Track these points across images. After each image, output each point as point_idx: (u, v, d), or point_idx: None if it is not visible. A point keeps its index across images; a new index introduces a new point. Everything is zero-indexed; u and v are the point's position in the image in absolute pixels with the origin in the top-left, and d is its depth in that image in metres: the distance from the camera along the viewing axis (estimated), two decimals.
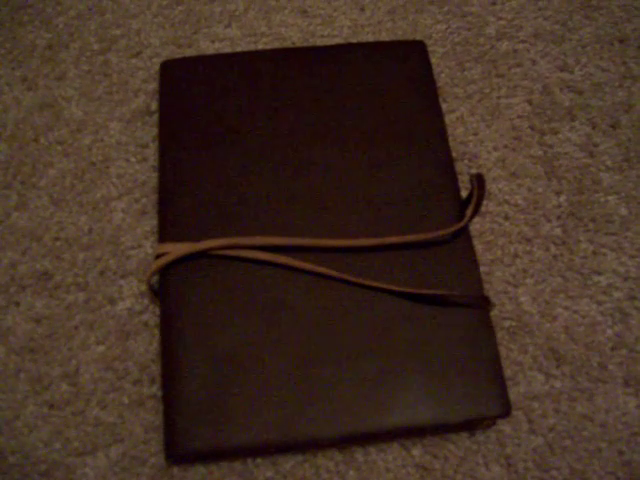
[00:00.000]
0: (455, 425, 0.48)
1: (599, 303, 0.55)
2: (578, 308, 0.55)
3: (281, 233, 0.52)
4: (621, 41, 0.67)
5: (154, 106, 0.63)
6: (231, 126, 0.57)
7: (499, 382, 0.48)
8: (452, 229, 0.51)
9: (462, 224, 0.51)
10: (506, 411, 0.48)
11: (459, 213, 0.53)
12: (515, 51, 0.66)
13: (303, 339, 0.49)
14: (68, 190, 0.59)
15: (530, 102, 0.63)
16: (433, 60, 0.65)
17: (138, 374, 0.53)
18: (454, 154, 0.60)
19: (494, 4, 0.69)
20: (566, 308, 0.55)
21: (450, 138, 0.60)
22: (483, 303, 0.50)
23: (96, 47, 0.66)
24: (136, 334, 0.54)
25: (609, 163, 0.61)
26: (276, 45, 0.66)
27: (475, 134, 0.62)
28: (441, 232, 0.51)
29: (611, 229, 0.58)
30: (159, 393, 0.52)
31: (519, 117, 0.63)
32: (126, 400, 0.52)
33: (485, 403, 0.48)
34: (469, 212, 0.52)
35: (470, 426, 0.50)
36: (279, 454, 0.50)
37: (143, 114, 0.63)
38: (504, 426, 0.51)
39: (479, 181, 0.50)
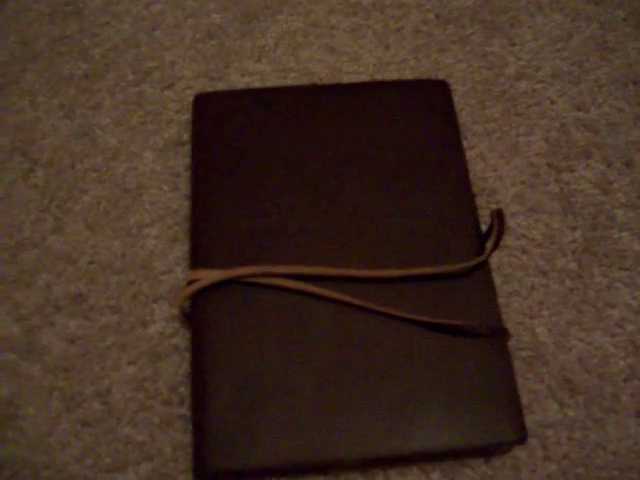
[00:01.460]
0: (473, 450, 0.50)
1: (612, 335, 0.57)
2: (592, 340, 0.57)
3: (309, 262, 0.54)
4: (635, 83, 0.69)
5: (186, 137, 0.65)
6: (260, 158, 0.59)
7: (516, 409, 0.50)
8: (473, 262, 0.53)
9: (483, 258, 0.53)
10: (522, 438, 0.49)
11: (479, 246, 0.55)
12: (534, 90, 0.68)
13: (328, 364, 0.51)
14: (102, 216, 0.61)
15: (547, 140, 0.66)
16: (455, 98, 0.67)
17: (168, 395, 0.54)
18: (474, 189, 0.62)
19: (514, 45, 0.71)
20: (580, 340, 0.57)
21: (470, 174, 0.62)
22: (501, 333, 0.52)
23: (131, 78, 0.69)
24: (166, 356, 0.56)
25: (623, 200, 0.63)
26: (304, 80, 0.68)
27: (494, 170, 0.64)
28: (462, 265, 0.53)
29: (625, 264, 0.60)
30: (188, 413, 0.54)
31: (537, 155, 0.65)
32: (156, 419, 0.54)
33: (502, 429, 0.49)
34: (489, 246, 0.54)
35: (487, 452, 0.52)
36: (302, 475, 0.52)
37: (176, 144, 0.65)
38: (519, 452, 0.53)
39: (500, 216, 0.52)
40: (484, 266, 0.54)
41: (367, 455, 0.48)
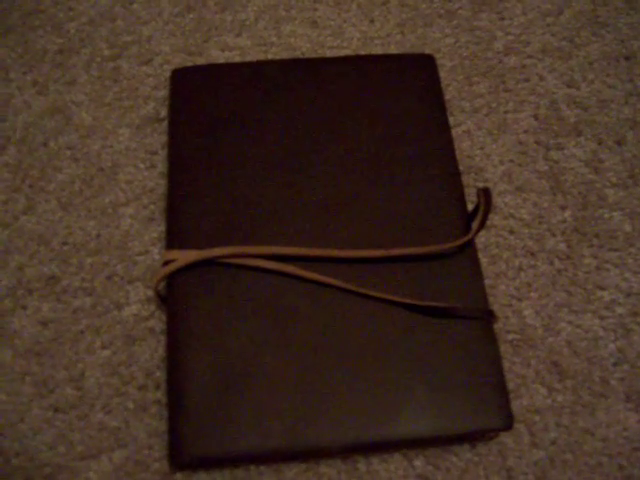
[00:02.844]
0: (457, 437, 0.49)
1: (602, 318, 0.56)
2: (581, 323, 0.55)
3: (288, 243, 0.53)
4: (627, 58, 0.68)
5: (163, 113, 0.64)
6: (239, 135, 0.57)
7: (502, 395, 0.48)
8: (458, 242, 0.52)
9: (468, 237, 0.52)
10: (508, 424, 0.48)
11: (465, 226, 0.54)
12: (523, 66, 0.67)
13: (307, 348, 0.49)
14: (76, 195, 0.60)
15: (536, 117, 0.64)
16: (441, 73, 0.65)
17: (143, 379, 0.53)
18: (460, 167, 0.60)
19: (502, 19, 0.69)
20: (569, 322, 0.55)
21: (457, 151, 0.61)
22: (487, 316, 0.50)
23: (107, 53, 0.67)
24: (142, 340, 0.54)
25: (614, 179, 0.61)
26: (285, 55, 0.67)
27: (482, 148, 0.62)
28: (447, 245, 0.52)
29: (615, 245, 0.58)
30: (164, 399, 0.52)
31: (525, 132, 0.63)
32: (131, 405, 0.52)
33: (488, 415, 0.48)
34: (475, 226, 0.52)
35: (472, 438, 0.50)
36: (282, 462, 0.51)
37: (152, 121, 0.63)
38: (506, 438, 0.52)
39: (486, 195, 0.50)
40: (470, 246, 0.53)
41: (348, 441, 0.47)
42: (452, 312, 0.51)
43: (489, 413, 0.48)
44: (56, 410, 0.52)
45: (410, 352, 0.49)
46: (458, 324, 0.50)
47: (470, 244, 0.53)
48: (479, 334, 0.50)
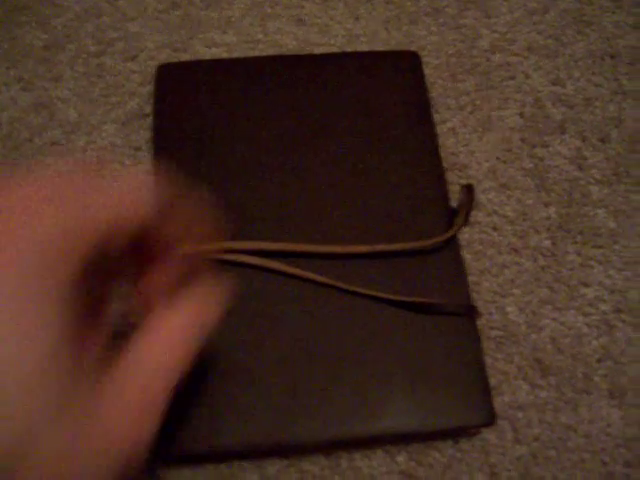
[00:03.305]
0: (440, 433, 0.49)
1: (585, 315, 0.56)
2: (565, 319, 0.55)
3: (272, 238, 0.53)
4: (612, 57, 0.68)
5: (148, 109, 0.63)
6: (224, 131, 0.57)
7: (484, 391, 0.48)
8: (441, 238, 0.52)
9: (451, 233, 0.52)
10: (490, 420, 0.48)
11: (449, 223, 0.54)
12: (508, 64, 0.67)
13: (290, 344, 0.49)
14: None
15: (522, 115, 0.64)
16: (426, 71, 0.65)
17: None
18: (445, 164, 0.60)
19: (488, 17, 0.69)
20: (553, 319, 0.55)
21: (441, 149, 0.61)
22: (469, 312, 0.50)
23: (92, 49, 0.66)
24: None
25: (598, 177, 0.61)
26: (272, 52, 0.66)
27: (466, 145, 0.62)
28: (430, 241, 0.52)
29: (599, 242, 0.59)
30: None
31: (510, 129, 0.63)
32: None
33: (469, 412, 0.48)
34: (458, 222, 0.52)
35: (454, 434, 0.50)
36: (265, 458, 0.50)
37: (137, 117, 0.63)
38: (489, 435, 0.52)
39: (468, 191, 0.51)
40: (453, 243, 0.53)
41: (330, 437, 0.47)
42: (434, 308, 0.51)
43: (471, 410, 0.48)
44: None
45: (392, 348, 0.49)
46: (440, 320, 0.50)
47: (453, 240, 0.53)
48: (462, 330, 0.50)
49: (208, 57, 0.66)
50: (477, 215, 0.59)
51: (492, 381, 0.53)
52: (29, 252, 0.27)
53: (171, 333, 0.34)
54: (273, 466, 0.50)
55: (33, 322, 0.26)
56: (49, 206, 0.28)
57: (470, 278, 0.56)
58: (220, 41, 0.67)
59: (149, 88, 0.64)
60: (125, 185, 0.32)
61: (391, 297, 0.50)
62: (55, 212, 0.28)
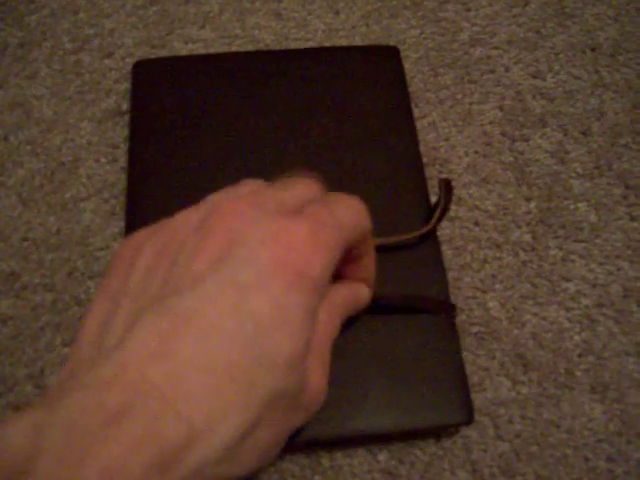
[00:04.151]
0: (419, 431, 0.48)
1: (567, 310, 0.55)
2: (546, 314, 0.55)
3: None
4: (593, 49, 0.67)
5: (125, 107, 0.63)
6: (202, 128, 0.57)
7: (462, 389, 0.48)
8: (418, 233, 0.51)
9: (428, 227, 0.51)
10: (468, 419, 0.47)
11: (428, 218, 0.53)
12: (488, 57, 0.66)
13: None
14: (37, 190, 0.59)
15: (502, 108, 0.64)
16: (406, 65, 0.65)
17: None
18: (425, 159, 0.60)
19: (468, 10, 0.69)
20: (534, 314, 0.55)
21: (421, 143, 0.60)
22: (448, 309, 0.50)
23: (68, 46, 0.66)
24: None
25: (580, 170, 0.61)
26: (250, 47, 0.66)
27: (446, 139, 0.62)
28: (407, 235, 0.51)
29: (580, 236, 0.58)
30: None
31: (491, 123, 0.63)
32: None
33: (447, 411, 0.47)
34: (435, 216, 0.52)
35: (434, 432, 0.50)
36: None
37: (114, 114, 0.62)
38: (470, 432, 0.51)
39: (446, 186, 0.50)
40: (431, 237, 0.52)
41: (309, 436, 0.46)
42: (412, 303, 0.50)
43: (448, 409, 0.47)
44: (15, 409, 0.51)
45: (370, 345, 0.49)
46: (418, 317, 0.50)
47: (431, 235, 0.53)
48: (440, 328, 0.50)
49: (185, 53, 0.65)
50: (458, 210, 0.59)
51: (473, 378, 0.53)
52: (336, 236, 0.36)
53: (334, 297, 0.41)
54: None
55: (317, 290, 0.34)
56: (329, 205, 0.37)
57: (451, 274, 0.56)
58: (197, 37, 0.66)
59: (126, 85, 0.64)
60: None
61: None
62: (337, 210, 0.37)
